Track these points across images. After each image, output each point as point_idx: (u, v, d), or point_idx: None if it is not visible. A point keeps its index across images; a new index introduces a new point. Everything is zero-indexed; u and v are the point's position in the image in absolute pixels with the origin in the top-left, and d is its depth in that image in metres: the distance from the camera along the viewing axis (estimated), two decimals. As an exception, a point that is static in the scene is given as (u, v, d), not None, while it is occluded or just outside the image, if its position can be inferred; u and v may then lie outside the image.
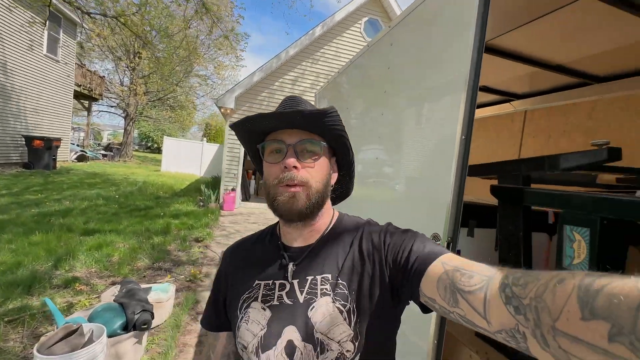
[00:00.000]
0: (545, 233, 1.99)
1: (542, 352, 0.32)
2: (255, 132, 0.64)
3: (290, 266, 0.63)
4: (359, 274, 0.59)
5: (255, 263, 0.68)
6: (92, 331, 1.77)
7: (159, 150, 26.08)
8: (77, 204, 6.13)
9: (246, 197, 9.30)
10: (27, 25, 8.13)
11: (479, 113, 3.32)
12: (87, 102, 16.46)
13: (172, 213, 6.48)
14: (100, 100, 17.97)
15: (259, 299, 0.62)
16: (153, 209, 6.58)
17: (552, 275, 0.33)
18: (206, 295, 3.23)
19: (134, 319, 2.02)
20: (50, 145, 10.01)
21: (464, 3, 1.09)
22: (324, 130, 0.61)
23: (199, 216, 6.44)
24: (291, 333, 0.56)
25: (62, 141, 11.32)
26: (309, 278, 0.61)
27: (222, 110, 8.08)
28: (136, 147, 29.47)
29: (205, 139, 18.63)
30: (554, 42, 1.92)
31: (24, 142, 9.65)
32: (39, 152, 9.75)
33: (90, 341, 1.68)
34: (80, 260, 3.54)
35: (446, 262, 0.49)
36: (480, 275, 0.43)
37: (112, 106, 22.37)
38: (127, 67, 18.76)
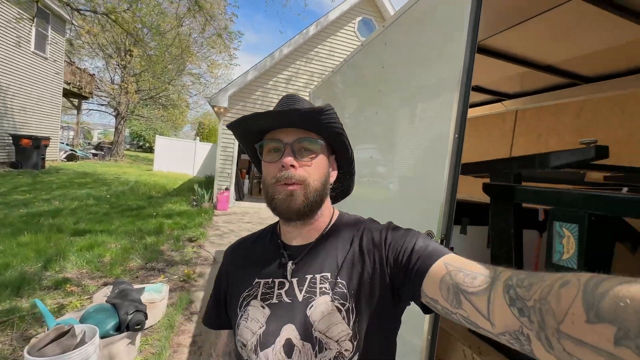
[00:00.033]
0: (535, 230, 2.03)
1: (547, 355, 0.31)
2: (253, 132, 0.64)
3: (290, 265, 0.63)
4: (358, 273, 0.59)
5: (255, 261, 0.68)
6: (85, 332, 1.74)
7: (151, 150, 25.76)
8: (67, 204, 6.02)
9: (240, 196, 9.26)
10: (14, 21, 7.93)
11: (472, 112, 3.36)
12: (77, 100, 16.15)
13: (165, 213, 6.41)
14: (91, 99, 17.63)
15: (259, 297, 0.62)
16: (145, 209, 6.50)
17: (556, 277, 0.33)
18: (200, 295, 3.21)
19: (127, 320, 2.00)
20: (38, 144, 9.80)
21: (456, 4, 1.10)
22: (321, 128, 0.61)
23: (193, 216, 6.39)
24: (290, 331, 0.56)
25: (51, 140, 11.10)
26: (308, 277, 0.61)
27: (216, 109, 8.02)
28: (127, 146, 29.08)
29: (198, 138, 18.41)
30: (544, 43, 1.96)
31: (11, 141, 9.43)
32: (27, 151, 9.54)
33: (82, 342, 1.66)
34: (70, 261, 3.48)
35: (449, 262, 0.49)
36: (484, 277, 0.42)
37: (102, 105, 22.03)
38: (118, 65, 18.45)
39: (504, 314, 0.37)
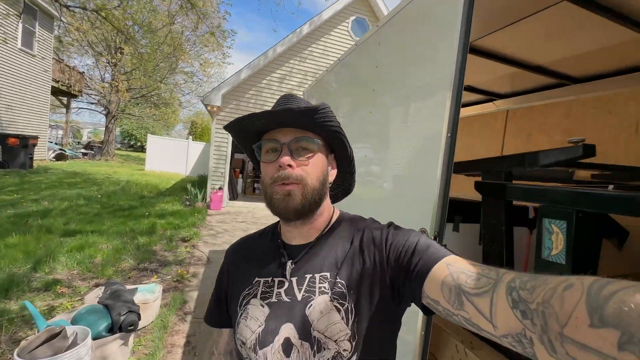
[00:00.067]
0: (526, 227, 2.08)
1: (550, 359, 0.31)
2: (251, 132, 0.64)
3: (289, 264, 0.63)
4: (358, 273, 0.58)
5: (256, 260, 0.68)
6: (76, 334, 1.72)
7: (142, 149, 25.43)
8: (56, 204, 5.91)
9: (234, 196, 9.21)
10: (0, 17, 7.73)
11: (464, 112, 3.41)
12: (66, 98, 15.84)
13: (158, 213, 6.34)
14: (80, 97, 17.29)
15: (258, 296, 0.62)
16: (137, 209, 6.42)
17: (560, 280, 0.32)
18: (194, 295, 3.19)
19: (119, 321, 1.98)
20: (26, 143, 9.58)
21: (449, 4, 1.12)
22: (317, 127, 0.61)
23: (186, 216, 6.33)
24: (288, 330, 0.56)
25: (39, 139, 10.85)
26: (308, 276, 0.61)
27: (209, 108, 7.95)
28: (118, 146, 28.63)
29: (190, 137, 18.22)
30: (534, 44, 2.00)
31: (-3, 140, 9.23)
32: (14, 150, 9.33)
33: (74, 344, 1.64)
34: (61, 262, 3.42)
35: (451, 263, 0.49)
36: (487, 278, 0.42)
37: (92, 103, 21.58)
38: (109, 63, 18.13)
39: (506, 316, 0.37)
